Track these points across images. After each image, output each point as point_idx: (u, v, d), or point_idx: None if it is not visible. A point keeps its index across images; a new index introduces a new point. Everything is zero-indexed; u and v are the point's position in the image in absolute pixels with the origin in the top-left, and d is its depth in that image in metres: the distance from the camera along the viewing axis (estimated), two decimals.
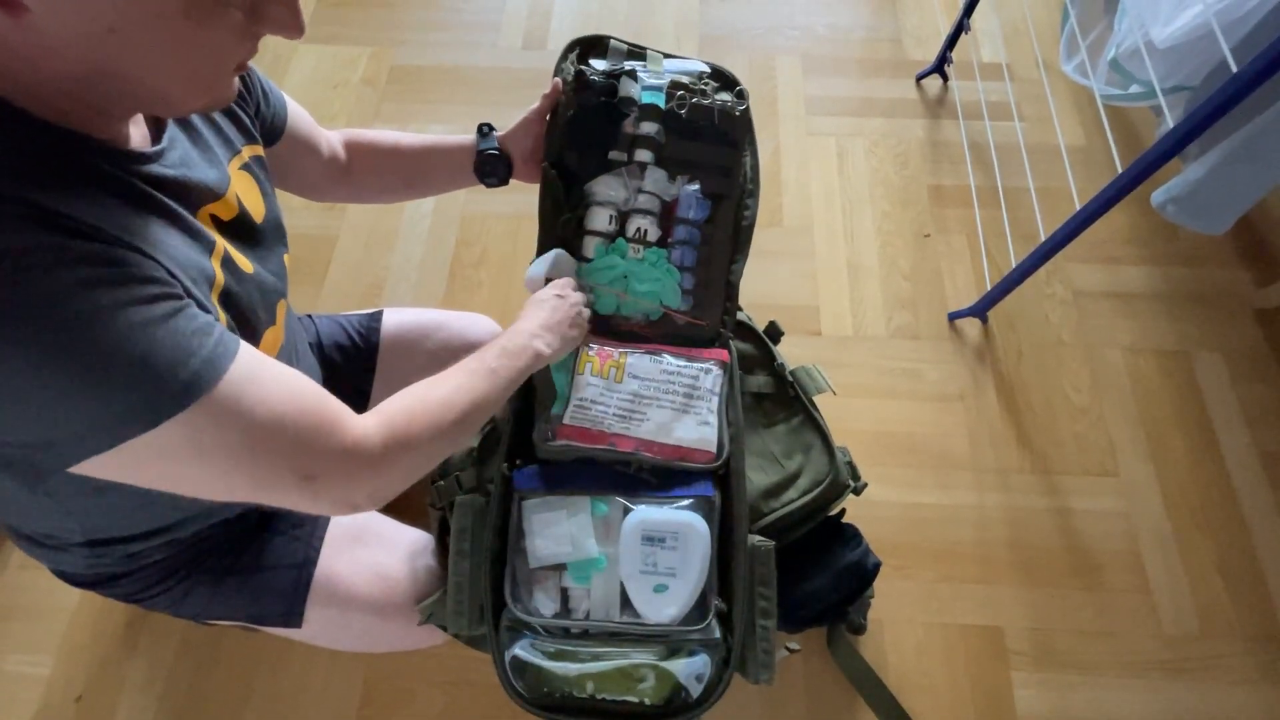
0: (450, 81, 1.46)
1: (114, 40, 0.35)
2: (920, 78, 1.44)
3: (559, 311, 0.65)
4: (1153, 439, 1.08)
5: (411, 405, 0.51)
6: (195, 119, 0.51)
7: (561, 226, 0.72)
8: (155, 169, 0.44)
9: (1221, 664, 0.92)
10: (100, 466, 0.39)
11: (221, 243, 0.48)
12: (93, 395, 0.36)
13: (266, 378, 0.43)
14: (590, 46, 0.75)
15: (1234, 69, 0.63)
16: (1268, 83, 0.63)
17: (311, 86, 1.45)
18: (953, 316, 1.18)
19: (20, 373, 0.34)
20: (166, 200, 0.44)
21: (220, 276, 0.47)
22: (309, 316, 0.86)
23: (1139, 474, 1.05)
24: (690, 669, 0.64)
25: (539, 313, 0.64)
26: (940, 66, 1.41)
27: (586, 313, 0.69)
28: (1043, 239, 0.94)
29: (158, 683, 0.89)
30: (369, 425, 0.47)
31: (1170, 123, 0.71)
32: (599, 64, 0.72)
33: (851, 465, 0.80)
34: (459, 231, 1.28)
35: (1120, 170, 0.79)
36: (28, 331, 0.34)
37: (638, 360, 0.70)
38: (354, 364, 0.85)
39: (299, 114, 0.67)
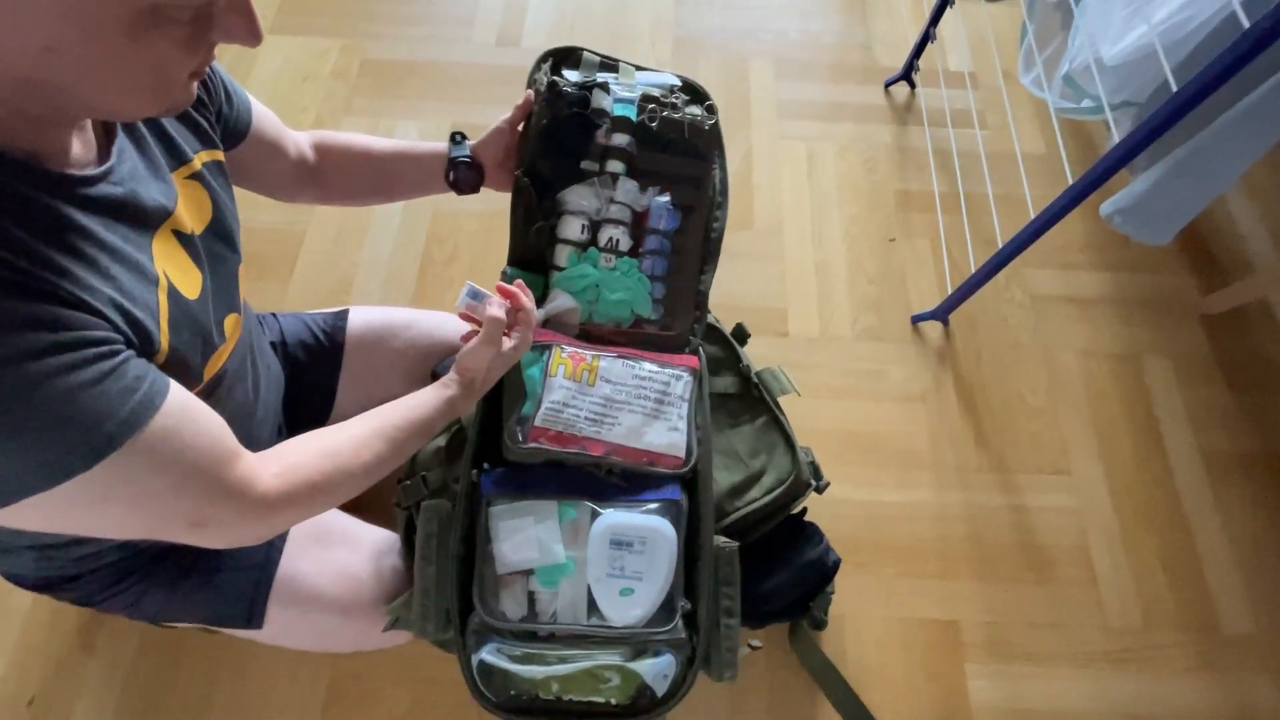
0: (423, 77, 1.44)
1: (51, 58, 0.34)
2: (889, 84, 1.47)
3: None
4: (1103, 439, 1.12)
5: (318, 463, 0.52)
6: (142, 126, 0.49)
7: (534, 235, 0.72)
8: (104, 189, 0.43)
9: (1163, 654, 0.97)
10: None
11: (164, 276, 0.47)
12: (4, 454, 0.36)
13: (183, 430, 0.43)
14: (563, 57, 0.75)
15: (1174, 88, 0.66)
16: (1206, 101, 0.66)
17: (280, 79, 1.42)
18: (916, 319, 1.21)
19: None
20: (108, 236, 0.43)
21: (165, 310, 0.47)
22: (272, 315, 0.85)
23: (1090, 472, 1.09)
24: (656, 669, 0.65)
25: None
26: (908, 74, 1.45)
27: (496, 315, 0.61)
28: (1000, 245, 0.97)
29: (115, 685, 0.88)
30: (269, 479, 0.48)
31: (1117, 137, 0.74)
32: (572, 75, 0.73)
33: (814, 465, 0.82)
34: (430, 228, 1.27)
35: (1071, 181, 0.82)
36: None
37: (610, 364, 0.70)
38: (319, 362, 0.84)
39: (264, 116, 0.66)
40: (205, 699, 0.88)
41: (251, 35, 0.39)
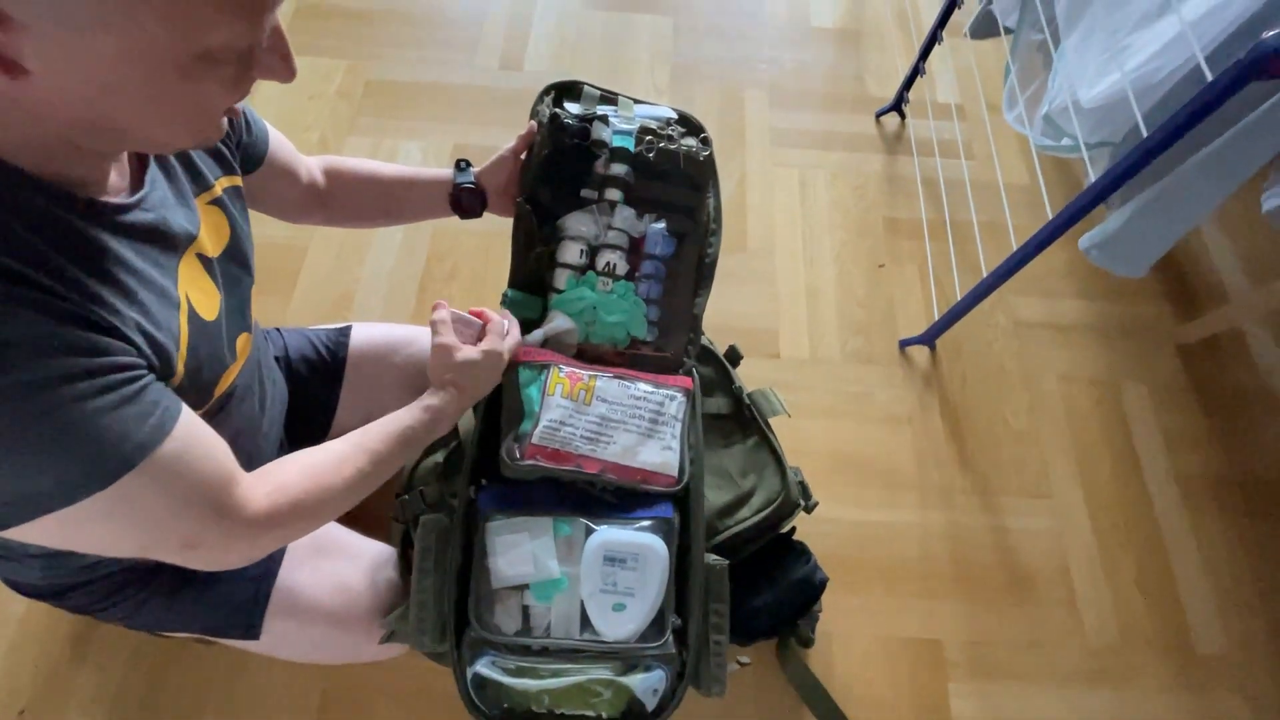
0: (426, 98, 1.47)
1: (109, 98, 0.36)
2: (880, 115, 1.52)
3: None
4: (1083, 463, 1.15)
5: (303, 482, 0.53)
6: (171, 155, 0.52)
7: (534, 260, 0.75)
8: (137, 216, 0.45)
9: (1140, 674, 0.99)
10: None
11: (186, 299, 0.49)
12: (29, 471, 0.38)
13: (190, 453, 0.45)
14: (565, 91, 0.79)
15: (1144, 133, 0.70)
16: (1174, 146, 0.70)
17: (286, 97, 1.44)
18: (903, 343, 1.24)
19: None
20: (139, 262, 0.45)
21: (185, 333, 0.48)
22: (276, 330, 0.87)
23: (1069, 495, 1.12)
24: (647, 684, 0.67)
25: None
26: (898, 105, 1.49)
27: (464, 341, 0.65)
28: (985, 273, 1.01)
29: (107, 695, 0.88)
30: (260, 500, 0.50)
31: (1093, 175, 0.78)
32: (573, 107, 0.76)
33: (803, 485, 0.84)
34: (430, 245, 1.29)
35: (1050, 215, 0.86)
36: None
37: (606, 384, 0.72)
38: (321, 378, 0.86)
39: (280, 142, 0.68)
40: (197, 710, 0.88)
41: (288, 72, 0.42)
